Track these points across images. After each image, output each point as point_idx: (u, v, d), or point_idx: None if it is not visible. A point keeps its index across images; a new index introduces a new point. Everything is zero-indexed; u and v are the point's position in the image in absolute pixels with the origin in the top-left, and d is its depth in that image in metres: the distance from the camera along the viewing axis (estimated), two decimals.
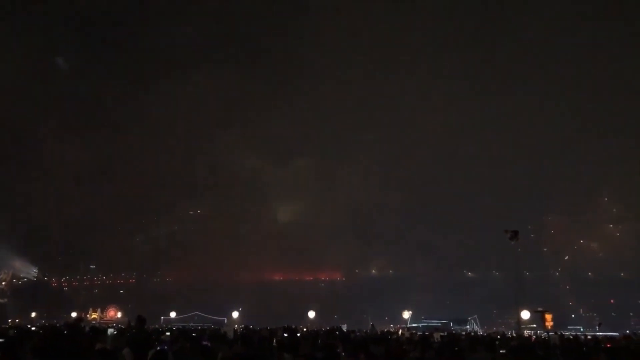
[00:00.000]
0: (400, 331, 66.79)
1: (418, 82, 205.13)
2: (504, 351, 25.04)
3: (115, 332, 33.42)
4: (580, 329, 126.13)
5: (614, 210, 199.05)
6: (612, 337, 63.02)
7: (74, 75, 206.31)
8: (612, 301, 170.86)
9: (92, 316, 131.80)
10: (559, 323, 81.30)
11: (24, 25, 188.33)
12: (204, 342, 23.15)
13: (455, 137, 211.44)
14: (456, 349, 23.66)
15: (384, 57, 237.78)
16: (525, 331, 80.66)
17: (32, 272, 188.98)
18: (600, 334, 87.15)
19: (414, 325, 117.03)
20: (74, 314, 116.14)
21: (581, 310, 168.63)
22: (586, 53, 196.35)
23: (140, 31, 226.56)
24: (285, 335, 36.21)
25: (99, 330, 24.25)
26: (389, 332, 66.15)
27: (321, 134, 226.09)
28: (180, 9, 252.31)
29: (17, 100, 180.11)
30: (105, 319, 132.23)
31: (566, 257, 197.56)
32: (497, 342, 34.11)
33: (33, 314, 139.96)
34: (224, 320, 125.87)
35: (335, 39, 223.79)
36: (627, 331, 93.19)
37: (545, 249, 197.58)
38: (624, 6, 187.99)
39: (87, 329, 29.78)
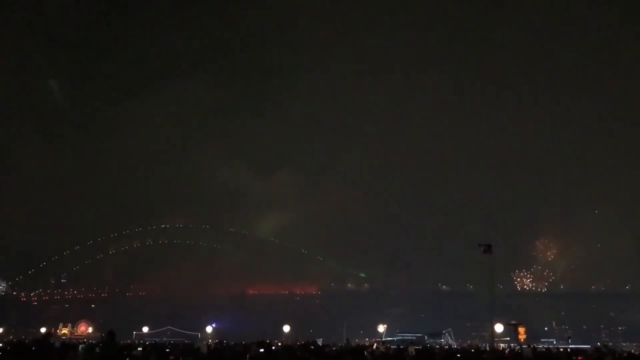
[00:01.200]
0: (375, 345, 66.54)
1: (399, 98, 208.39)
2: None
3: (85, 348, 32.69)
4: (553, 341, 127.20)
5: (587, 224, 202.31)
6: (583, 349, 63.78)
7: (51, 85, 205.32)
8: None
9: (63, 331, 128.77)
10: (532, 336, 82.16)
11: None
12: (172, 357, 22.84)
13: (432, 154, 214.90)
14: None
15: (371, 67, 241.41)
16: (499, 344, 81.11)
17: (1, 286, 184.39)
18: (573, 346, 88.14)
19: (389, 338, 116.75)
20: (43, 329, 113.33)
21: (554, 323, 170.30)
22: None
23: (124, 42, 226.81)
24: (261, 350, 35.87)
25: (69, 346, 23.80)
26: (363, 346, 65.87)
27: (301, 149, 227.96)
28: (164, 21, 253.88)
29: None
30: (76, 334, 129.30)
31: (547, 277, 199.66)
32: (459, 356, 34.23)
33: (1, 330, 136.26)
34: (198, 335, 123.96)
35: (320, 49, 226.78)
36: (598, 344, 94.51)
37: (519, 263, 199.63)
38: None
39: (56, 344, 29.17)
